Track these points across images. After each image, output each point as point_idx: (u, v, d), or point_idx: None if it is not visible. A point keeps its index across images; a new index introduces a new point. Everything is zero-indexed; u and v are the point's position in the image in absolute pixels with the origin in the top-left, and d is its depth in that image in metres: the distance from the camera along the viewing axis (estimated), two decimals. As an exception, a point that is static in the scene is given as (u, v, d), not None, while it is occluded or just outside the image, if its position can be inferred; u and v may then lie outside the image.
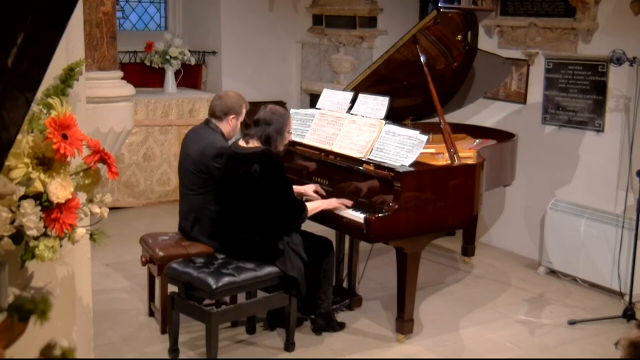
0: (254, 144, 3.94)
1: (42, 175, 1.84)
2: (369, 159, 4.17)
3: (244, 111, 4.36)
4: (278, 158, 3.94)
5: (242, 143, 3.99)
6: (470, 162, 4.31)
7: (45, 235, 1.88)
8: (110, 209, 2.12)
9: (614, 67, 4.81)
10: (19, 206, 1.83)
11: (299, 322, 4.26)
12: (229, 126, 4.33)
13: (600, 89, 5.14)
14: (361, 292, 4.72)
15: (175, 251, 4.16)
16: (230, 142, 4.24)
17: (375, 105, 4.36)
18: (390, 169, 4.00)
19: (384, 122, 4.26)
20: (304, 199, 4.24)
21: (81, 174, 2.01)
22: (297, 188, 4.25)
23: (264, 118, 3.95)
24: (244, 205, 3.90)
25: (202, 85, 7.88)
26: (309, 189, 4.30)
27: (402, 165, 4.01)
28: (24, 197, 1.84)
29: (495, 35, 5.88)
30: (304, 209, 4.00)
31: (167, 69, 7.38)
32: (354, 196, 4.21)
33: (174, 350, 3.95)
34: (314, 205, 4.09)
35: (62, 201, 1.87)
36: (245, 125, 4.65)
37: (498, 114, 5.89)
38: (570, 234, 5.17)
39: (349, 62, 7.29)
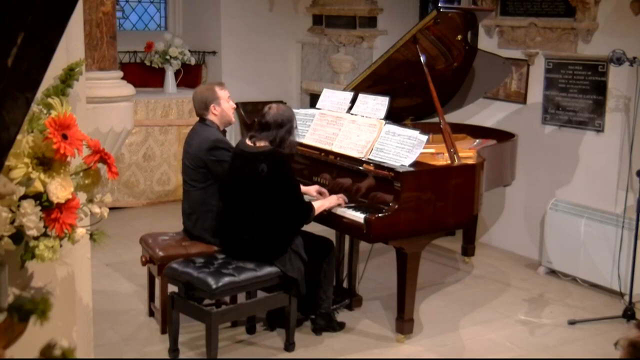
0: (261, 144, 3.93)
1: (42, 175, 1.84)
2: (369, 159, 4.17)
3: (219, 93, 4.34)
4: (286, 158, 3.90)
5: (249, 142, 3.98)
6: (470, 162, 4.30)
7: (45, 235, 1.88)
8: (110, 209, 2.12)
9: (614, 67, 4.81)
10: (19, 206, 1.83)
11: (299, 322, 4.26)
12: (216, 115, 4.34)
13: (600, 89, 5.14)
14: (361, 292, 4.72)
15: (175, 251, 4.16)
16: (236, 140, 4.22)
17: (375, 105, 4.36)
18: (390, 169, 4.00)
19: (384, 122, 4.26)
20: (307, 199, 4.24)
21: (81, 174, 2.01)
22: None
23: (274, 121, 3.90)
24: (248, 205, 3.89)
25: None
26: (312, 189, 4.30)
27: (402, 165, 4.01)
28: (24, 197, 1.84)
29: (495, 35, 5.88)
30: (311, 209, 3.97)
31: (167, 69, 7.38)
32: (353, 196, 4.22)
33: (174, 350, 3.95)
34: (318, 205, 4.08)
35: (62, 201, 1.86)
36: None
37: (498, 114, 5.88)
38: (570, 234, 5.17)
39: (349, 62, 7.29)
